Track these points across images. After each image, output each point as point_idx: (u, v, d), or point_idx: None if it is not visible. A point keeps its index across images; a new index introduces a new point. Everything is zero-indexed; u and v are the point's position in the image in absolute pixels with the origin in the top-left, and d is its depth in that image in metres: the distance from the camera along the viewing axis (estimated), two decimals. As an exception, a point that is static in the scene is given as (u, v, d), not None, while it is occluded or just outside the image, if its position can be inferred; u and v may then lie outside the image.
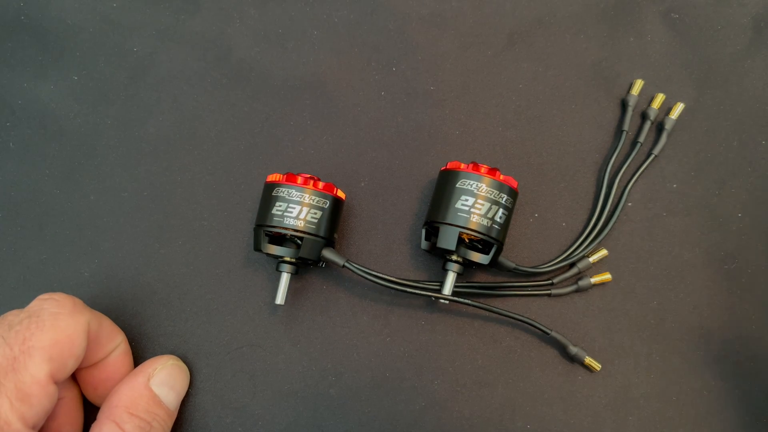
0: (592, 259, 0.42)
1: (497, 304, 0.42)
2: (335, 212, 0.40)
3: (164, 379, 0.38)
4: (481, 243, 0.39)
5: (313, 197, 0.38)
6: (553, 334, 0.41)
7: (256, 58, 0.47)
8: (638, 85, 0.45)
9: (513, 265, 0.40)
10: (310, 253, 0.39)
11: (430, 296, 0.40)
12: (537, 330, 0.41)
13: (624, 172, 0.44)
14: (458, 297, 0.40)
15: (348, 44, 0.47)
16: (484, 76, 0.46)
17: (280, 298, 0.39)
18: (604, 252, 0.42)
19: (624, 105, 0.45)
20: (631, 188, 0.44)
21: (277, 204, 0.38)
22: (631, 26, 0.47)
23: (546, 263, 0.42)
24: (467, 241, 0.39)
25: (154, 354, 0.42)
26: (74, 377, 0.39)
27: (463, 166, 0.39)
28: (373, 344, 0.42)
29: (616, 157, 0.44)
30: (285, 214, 0.38)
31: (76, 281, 0.43)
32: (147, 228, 0.44)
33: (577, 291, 0.42)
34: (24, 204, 0.44)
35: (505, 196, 0.38)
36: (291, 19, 0.47)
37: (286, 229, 0.38)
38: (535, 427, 0.41)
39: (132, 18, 0.47)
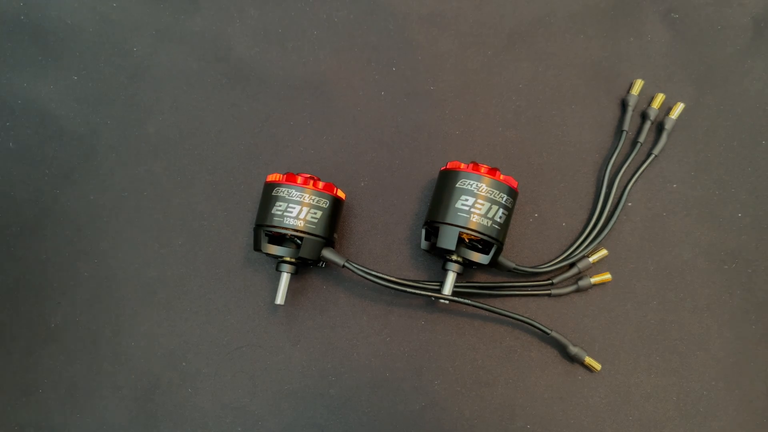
0: (592, 259, 0.42)
1: (497, 304, 0.42)
2: (335, 212, 0.40)
3: None
4: (481, 243, 0.39)
5: (313, 197, 0.38)
6: (553, 334, 0.41)
7: (256, 58, 0.47)
8: (638, 85, 0.45)
9: (513, 265, 0.40)
10: (310, 253, 0.39)
11: (430, 296, 0.40)
12: (537, 330, 0.41)
13: (624, 172, 0.44)
14: (458, 297, 0.40)
15: (348, 44, 0.47)
16: (484, 76, 0.46)
17: (280, 298, 0.39)
18: (604, 252, 0.42)
19: (624, 105, 0.45)
20: (631, 188, 0.44)
21: (277, 204, 0.38)
22: (631, 26, 0.47)
23: (546, 263, 0.42)
24: (467, 241, 0.39)
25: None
26: None
27: (463, 166, 0.39)
28: (373, 344, 0.42)
29: (616, 157, 0.44)
30: (285, 213, 0.38)
31: (76, 281, 0.43)
32: (147, 228, 0.44)
33: (577, 291, 0.42)
34: (24, 204, 0.44)
35: (505, 196, 0.38)
36: (291, 19, 0.47)
37: (286, 229, 0.38)
38: (535, 427, 0.41)
39: (132, 18, 0.47)
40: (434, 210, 0.39)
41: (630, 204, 0.44)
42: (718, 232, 0.44)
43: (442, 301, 0.42)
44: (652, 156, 0.44)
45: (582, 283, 0.42)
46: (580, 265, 0.42)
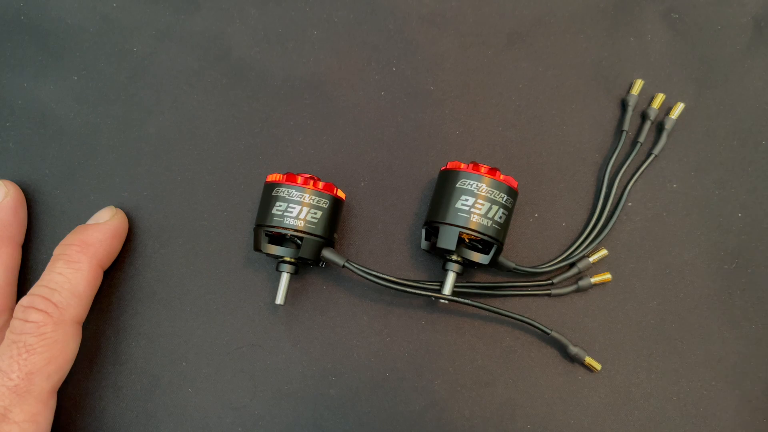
0: (592, 259, 0.42)
1: (497, 304, 0.42)
2: (335, 212, 0.40)
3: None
4: (481, 243, 0.39)
5: (313, 197, 0.38)
6: (553, 334, 0.41)
7: (256, 58, 0.47)
8: (638, 85, 0.45)
9: (513, 265, 0.40)
10: (310, 253, 0.39)
11: (430, 296, 0.40)
12: (537, 330, 0.41)
13: (624, 172, 0.44)
14: (458, 297, 0.40)
15: (348, 44, 0.47)
16: (484, 76, 0.46)
17: (280, 298, 0.39)
18: (604, 252, 0.42)
19: (624, 105, 0.45)
20: (631, 188, 0.44)
21: (277, 204, 0.38)
22: (631, 26, 0.47)
23: (546, 263, 0.42)
24: (467, 241, 0.39)
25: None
26: None
27: (463, 165, 0.39)
28: (373, 344, 0.42)
29: (616, 157, 0.44)
30: (285, 214, 0.38)
31: (76, 281, 0.43)
32: (147, 228, 0.44)
33: (577, 291, 0.42)
34: (24, 204, 0.44)
35: (505, 196, 0.38)
36: (291, 19, 0.47)
37: (286, 229, 0.38)
38: (535, 427, 0.41)
39: (132, 18, 0.47)
40: (434, 210, 0.39)
41: (630, 204, 0.44)
42: (718, 232, 0.44)
43: (442, 301, 0.42)
44: (652, 156, 0.44)
45: (582, 283, 0.42)
46: (580, 265, 0.42)
